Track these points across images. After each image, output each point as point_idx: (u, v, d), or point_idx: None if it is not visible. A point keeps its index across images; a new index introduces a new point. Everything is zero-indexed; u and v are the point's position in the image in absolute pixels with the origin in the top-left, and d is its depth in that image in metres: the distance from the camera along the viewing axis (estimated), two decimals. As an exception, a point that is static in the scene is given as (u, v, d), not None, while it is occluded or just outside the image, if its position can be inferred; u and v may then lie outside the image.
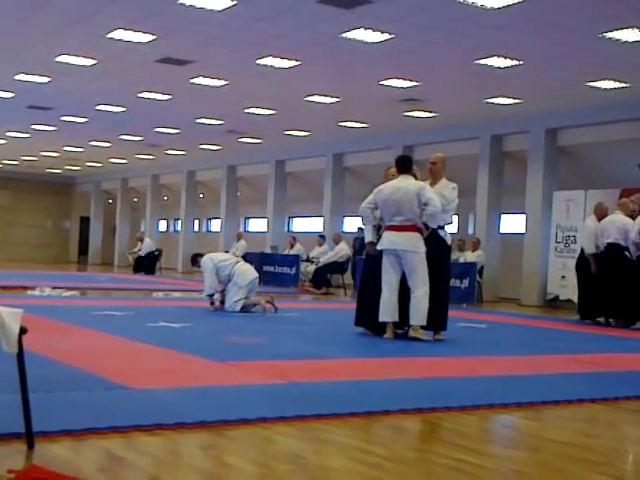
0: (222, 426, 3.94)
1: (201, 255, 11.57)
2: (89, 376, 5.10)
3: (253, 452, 3.64)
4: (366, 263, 9.01)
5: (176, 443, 3.66)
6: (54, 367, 5.40)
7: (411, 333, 8.14)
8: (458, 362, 6.78)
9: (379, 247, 8.36)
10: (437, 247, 8.32)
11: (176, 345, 6.87)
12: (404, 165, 8.47)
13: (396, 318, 8.22)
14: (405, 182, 8.32)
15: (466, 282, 15.28)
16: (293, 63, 13.47)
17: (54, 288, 14.16)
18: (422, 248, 8.16)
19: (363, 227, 8.95)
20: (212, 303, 11.00)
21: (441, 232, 8.42)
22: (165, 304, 12.68)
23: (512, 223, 19.00)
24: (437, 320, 8.34)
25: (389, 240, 8.27)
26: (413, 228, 8.17)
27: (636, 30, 10.78)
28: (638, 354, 8.26)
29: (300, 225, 27.20)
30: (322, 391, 4.99)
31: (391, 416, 4.40)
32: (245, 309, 10.92)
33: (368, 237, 8.71)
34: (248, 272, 11.09)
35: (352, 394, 4.94)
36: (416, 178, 8.48)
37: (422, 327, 8.20)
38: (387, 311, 8.21)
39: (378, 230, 8.63)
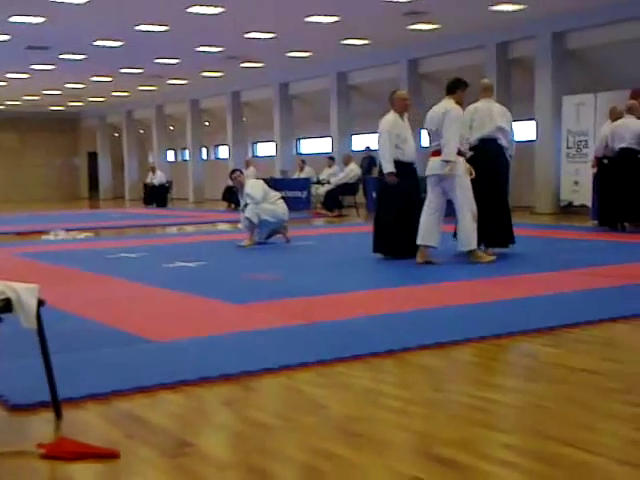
0: (245, 378, 3.97)
1: (240, 171, 11.41)
2: (109, 330, 5.13)
3: (278, 405, 3.67)
4: (381, 188, 8.91)
5: (200, 400, 3.70)
6: (73, 322, 5.44)
7: (470, 258, 8.19)
8: (476, 286, 6.77)
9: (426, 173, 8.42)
10: (492, 160, 8.50)
11: (194, 287, 6.90)
12: (447, 88, 8.37)
13: (430, 242, 8.23)
14: (439, 106, 8.29)
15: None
16: (290, -16, 13.18)
17: (68, 230, 14.20)
18: (458, 171, 8.07)
19: (378, 150, 8.74)
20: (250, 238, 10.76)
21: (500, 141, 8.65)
22: (179, 240, 12.70)
23: (522, 131, 18.76)
24: (503, 235, 8.75)
25: (428, 166, 8.35)
26: None
27: None
28: (655, 262, 8.23)
29: (308, 147, 27.03)
30: (342, 330, 5.00)
31: (411, 353, 4.41)
32: (268, 237, 10.95)
33: (388, 167, 8.52)
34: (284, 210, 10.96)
35: (371, 331, 4.96)
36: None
37: (490, 244, 8.61)
38: (421, 234, 8.23)
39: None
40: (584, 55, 16.87)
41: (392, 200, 8.62)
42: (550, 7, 15.49)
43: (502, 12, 15.69)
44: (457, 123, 8.09)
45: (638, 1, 14.53)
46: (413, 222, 8.46)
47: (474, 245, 8.18)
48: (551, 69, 16.58)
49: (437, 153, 8.19)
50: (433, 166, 8.24)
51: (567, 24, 16.26)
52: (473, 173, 8.16)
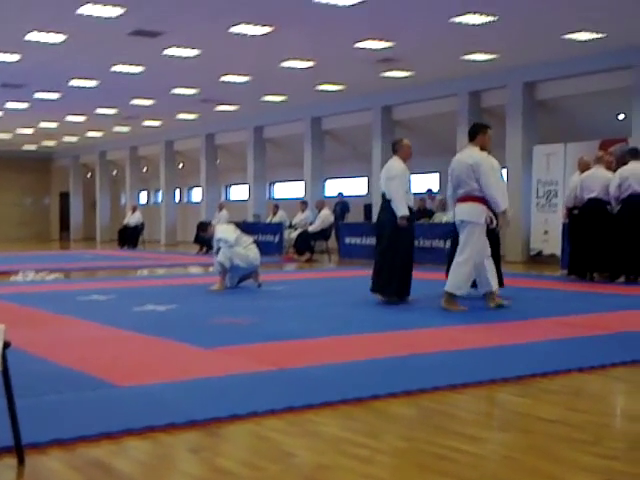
0: (213, 424, 3.93)
1: (208, 223, 11.38)
2: (75, 374, 5.07)
3: (244, 452, 3.63)
4: (389, 230, 8.73)
5: (167, 446, 3.66)
6: (41, 365, 5.37)
7: (442, 304, 8.17)
8: (446, 334, 6.79)
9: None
10: None
11: (163, 331, 6.84)
12: (469, 134, 8.40)
13: (492, 286, 8.24)
14: (463, 153, 8.34)
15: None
16: (266, 29, 13.32)
17: (37, 271, 14.08)
18: (478, 218, 8.07)
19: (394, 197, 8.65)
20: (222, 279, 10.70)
21: None
22: (150, 283, 12.62)
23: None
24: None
25: (455, 213, 8.39)
26: (472, 199, 8.12)
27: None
28: (624, 312, 8.30)
29: (282, 191, 27.12)
30: (311, 377, 4.99)
31: (380, 401, 4.40)
32: (240, 281, 10.91)
33: (403, 210, 8.56)
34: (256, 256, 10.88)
35: (341, 378, 4.94)
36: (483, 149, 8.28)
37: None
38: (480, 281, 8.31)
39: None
40: (554, 105, 17.16)
41: (400, 243, 8.72)
42: (521, 58, 15.78)
43: (474, 61, 15.96)
44: (492, 173, 8.13)
45: (607, 54, 14.85)
46: (411, 266, 8.81)
47: (463, 292, 8.18)
48: (522, 119, 16.85)
49: (463, 199, 8.19)
50: (459, 211, 8.25)
51: (538, 75, 16.57)
52: (494, 222, 8.19)
